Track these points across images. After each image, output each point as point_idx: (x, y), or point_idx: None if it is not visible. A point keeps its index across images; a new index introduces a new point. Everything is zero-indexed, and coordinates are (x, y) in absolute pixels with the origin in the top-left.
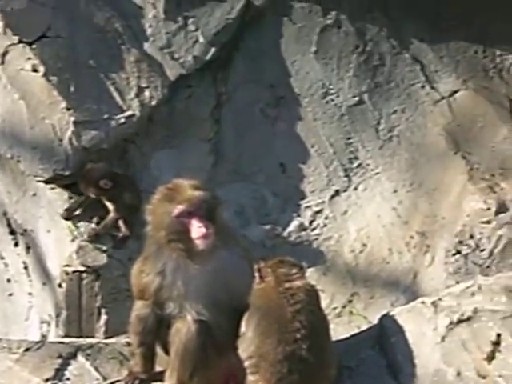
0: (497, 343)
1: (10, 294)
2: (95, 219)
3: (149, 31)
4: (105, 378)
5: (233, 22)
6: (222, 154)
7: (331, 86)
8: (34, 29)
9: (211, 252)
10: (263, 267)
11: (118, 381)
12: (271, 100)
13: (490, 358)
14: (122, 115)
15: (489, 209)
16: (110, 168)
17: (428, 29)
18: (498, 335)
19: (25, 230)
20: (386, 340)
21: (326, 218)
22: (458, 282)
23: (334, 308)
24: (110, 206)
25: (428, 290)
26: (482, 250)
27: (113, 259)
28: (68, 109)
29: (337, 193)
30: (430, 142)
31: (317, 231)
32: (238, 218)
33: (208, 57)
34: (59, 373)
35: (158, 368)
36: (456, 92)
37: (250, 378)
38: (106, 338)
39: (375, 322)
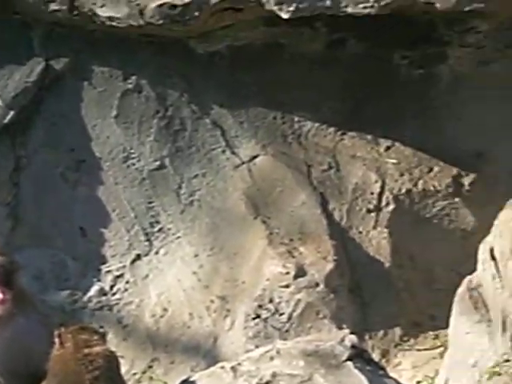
0: None
1: None
2: None
3: None
4: None
5: (32, 85)
6: (20, 218)
7: (132, 150)
8: None
9: (8, 318)
10: (64, 333)
11: None
12: (72, 164)
13: None
14: None
15: (288, 273)
16: None
17: (227, 95)
18: None
19: None
20: None
21: (127, 282)
22: (257, 346)
23: (134, 374)
24: None
25: (228, 355)
26: (281, 314)
27: None
28: None
29: (138, 257)
30: (231, 206)
31: (117, 296)
32: (36, 283)
33: (6, 120)
34: None
35: None
36: (256, 157)
37: None
38: None
39: None
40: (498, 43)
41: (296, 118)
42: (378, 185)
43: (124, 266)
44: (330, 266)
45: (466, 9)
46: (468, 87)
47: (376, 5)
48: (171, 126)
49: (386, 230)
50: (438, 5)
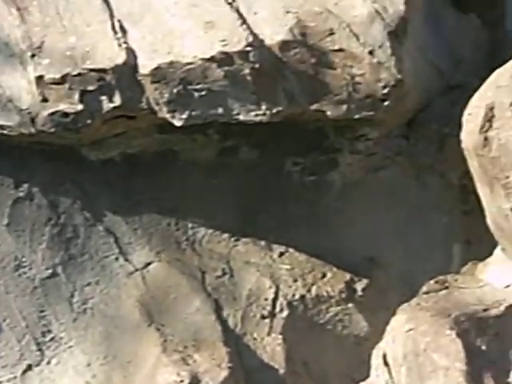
0: None
1: None
2: None
3: None
4: None
5: None
6: None
7: (24, 259)
8: None
9: None
10: None
11: None
12: None
13: None
14: None
15: (182, 381)
16: None
17: (121, 202)
18: None
19: None
20: None
21: None
22: None
23: None
24: None
25: None
26: None
27: None
28: None
29: (29, 367)
30: (124, 314)
31: None
32: None
33: None
34: None
35: None
36: (149, 264)
37: None
38: None
39: None
40: (388, 150)
41: (190, 225)
42: (272, 291)
43: (15, 377)
44: (224, 373)
45: (356, 116)
46: (359, 193)
47: (268, 112)
48: (63, 233)
49: (280, 336)
50: (328, 113)
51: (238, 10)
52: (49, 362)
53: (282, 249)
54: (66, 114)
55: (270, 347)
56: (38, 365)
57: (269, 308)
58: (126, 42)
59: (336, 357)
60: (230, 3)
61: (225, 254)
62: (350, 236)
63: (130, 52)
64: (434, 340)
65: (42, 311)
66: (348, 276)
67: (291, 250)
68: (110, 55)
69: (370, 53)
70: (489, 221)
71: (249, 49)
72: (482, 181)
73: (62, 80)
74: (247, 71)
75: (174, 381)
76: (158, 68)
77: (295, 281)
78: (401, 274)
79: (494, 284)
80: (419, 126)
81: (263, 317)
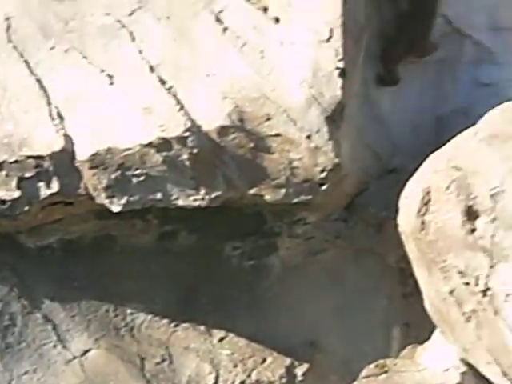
0: None
1: None
2: None
3: None
4: None
5: None
6: None
7: None
8: None
9: None
10: None
11: None
12: None
13: None
14: None
15: None
16: None
17: (59, 288)
18: None
19: None
20: None
21: None
22: None
23: None
24: None
25: None
26: None
27: None
28: None
29: None
30: None
31: None
32: None
33: None
34: None
35: None
36: (88, 351)
37: None
38: None
39: None
40: (327, 234)
41: (129, 310)
42: (212, 376)
43: None
44: None
45: (294, 201)
46: (298, 277)
47: (207, 197)
48: (1, 321)
49: None
50: (267, 197)
51: (175, 96)
52: None
53: (222, 334)
54: (2, 202)
55: None
56: None
57: None
58: (63, 129)
59: None
60: (167, 89)
61: (164, 340)
62: (289, 320)
63: (68, 138)
64: None
65: None
66: (288, 361)
67: (231, 334)
68: (47, 142)
69: (308, 137)
70: (427, 304)
71: (187, 134)
72: (420, 264)
73: None
74: (185, 156)
75: None
76: (95, 154)
77: (235, 366)
78: (341, 358)
79: (433, 368)
80: (357, 209)
81: None
